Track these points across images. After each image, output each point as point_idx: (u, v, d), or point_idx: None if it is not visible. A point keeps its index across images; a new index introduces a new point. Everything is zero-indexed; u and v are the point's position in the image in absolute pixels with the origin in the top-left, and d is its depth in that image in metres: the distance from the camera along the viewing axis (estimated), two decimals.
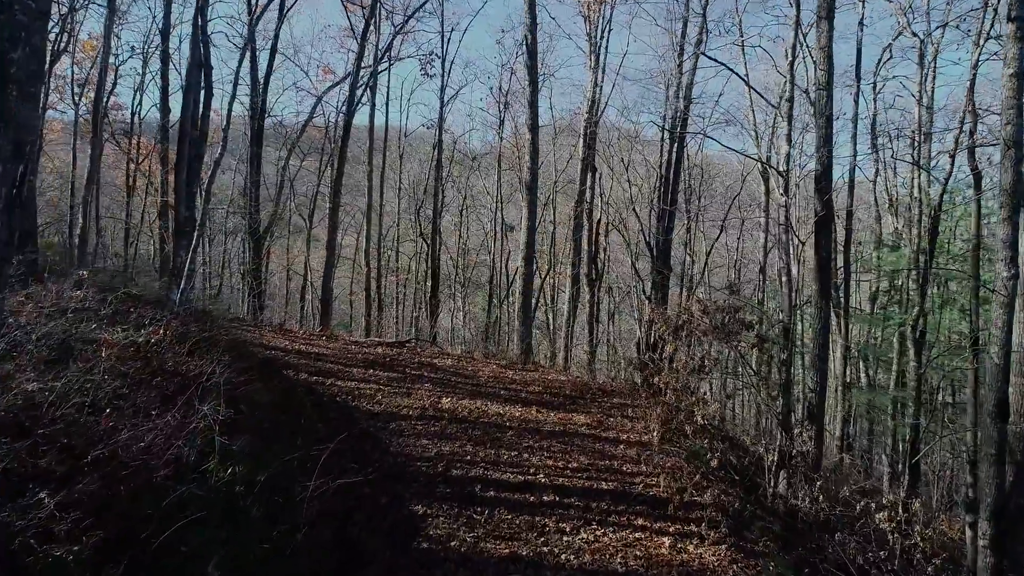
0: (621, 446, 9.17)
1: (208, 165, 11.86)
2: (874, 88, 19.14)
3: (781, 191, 8.82)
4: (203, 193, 9.46)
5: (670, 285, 18.62)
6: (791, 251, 8.78)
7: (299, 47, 60.33)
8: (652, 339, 15.49)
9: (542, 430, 9.53)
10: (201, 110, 9.36)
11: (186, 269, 8.47)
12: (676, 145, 15.58)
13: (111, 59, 25.18)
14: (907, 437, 10.79)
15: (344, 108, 18.31)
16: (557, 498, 7.31)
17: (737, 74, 9.64)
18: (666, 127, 14.29)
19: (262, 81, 20.23)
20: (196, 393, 5.77)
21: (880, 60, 19.88)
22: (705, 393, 10.03)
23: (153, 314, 7.61)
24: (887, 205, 21.72)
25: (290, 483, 6.17)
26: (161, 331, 6.63)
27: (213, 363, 6.92)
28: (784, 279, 8.57)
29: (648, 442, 9.34)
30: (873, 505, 6.91)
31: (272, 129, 24.25)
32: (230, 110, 10.28)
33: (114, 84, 24.51)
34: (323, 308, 16.86)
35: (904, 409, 12.91)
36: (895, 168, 23.75)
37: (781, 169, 8.66)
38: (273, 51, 20.45)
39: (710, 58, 10.51)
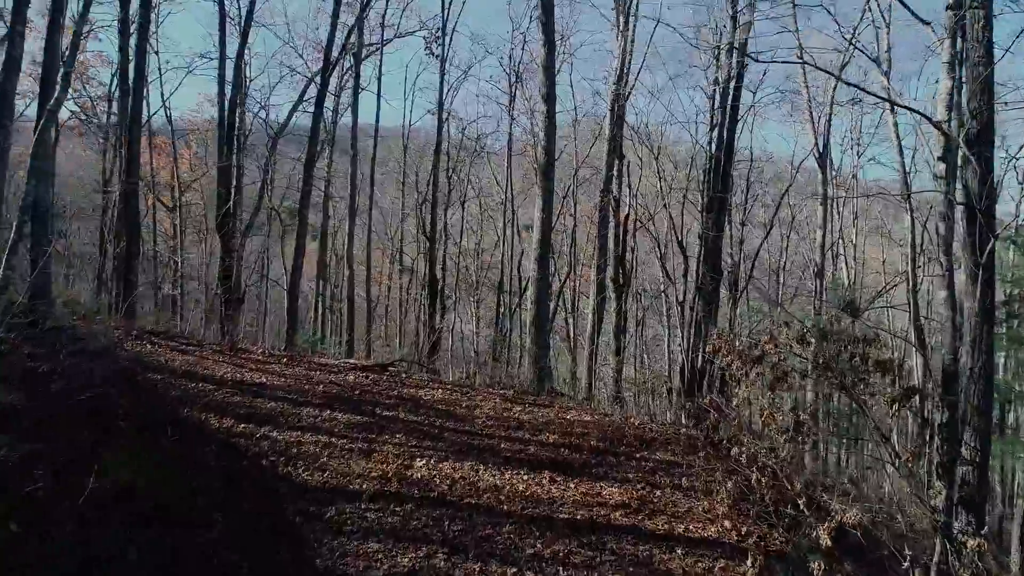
0: (679, 549, 5.99)
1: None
2: None
3: (938, 155, 5.62)
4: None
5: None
6: (951, 253, 5.54)
7: (293, 26, 56.63)
8: (700, 364, 12.30)
9: (557, 518, 6.37)
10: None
11: None
12: (728, 114, 12.36)
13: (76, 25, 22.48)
14: None
15: (319, 78, 15.29)
16: None
17: None
18: (722, 47, 11.04)
19: (235, 52, 17.31)
20: None
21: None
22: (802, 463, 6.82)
23: None
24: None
25: None
26: None
27: None
28: (944, 294, 5.35)
29: (719, 539, 6.17)
30: None
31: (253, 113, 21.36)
32: (77, 33, 7.22)
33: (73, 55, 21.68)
34: (289, 320, 13.87)
35: None
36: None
37: (939, 119, 5.46)
38: (249, 16, 17.50)
39: None
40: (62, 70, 6.69)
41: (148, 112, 28.08)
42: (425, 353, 14.30)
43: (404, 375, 11.85)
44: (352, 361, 12.46)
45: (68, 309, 10.64)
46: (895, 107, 16.74)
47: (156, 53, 24.57)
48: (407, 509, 6.23)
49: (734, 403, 7.15)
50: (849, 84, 11.86)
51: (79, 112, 28.61)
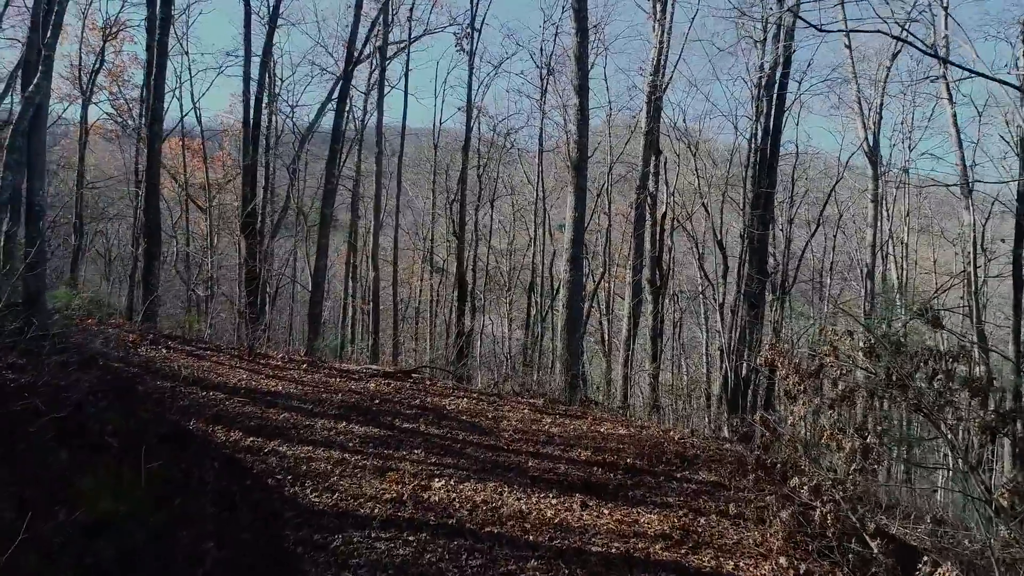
0: None
1: None
2: None
3: None
4: None
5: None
6: None
7: (323, 24, 56.41)
8: (744, 373, 11.48)
9: (589, 551, 5.66)
10: None
11: None
12: (775, 104, 11.48)
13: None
14: None
15: (343, 68, 14.78)
16: None
17: None
18: (772, 19, 10.14)
19: (261, 49, 16.96)
20: None
21: None
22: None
23: None
24: None
25: None
26: None
27: None
28: None
29: None
30: None
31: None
32: None
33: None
34: (310, 324, 13.39)
35: None
36: None
37: None
38: (275, 13, 17.15)
39: None
40: (43, 53, 6.18)
41: (181, 112, 28.14)
42: (452, 358, 13.69)
43: (428, 382, 11.29)
44: (375, 367, 11.92)
45: (81, 312, 10.26)
46: (948, 91, 15.65)
47: (186, 54, 24.50)
48: (421, 539, 5.58)
49: (788, 421, 6.37)
50: (932, 56, 10.67)
51: (115, 115, 28.83)
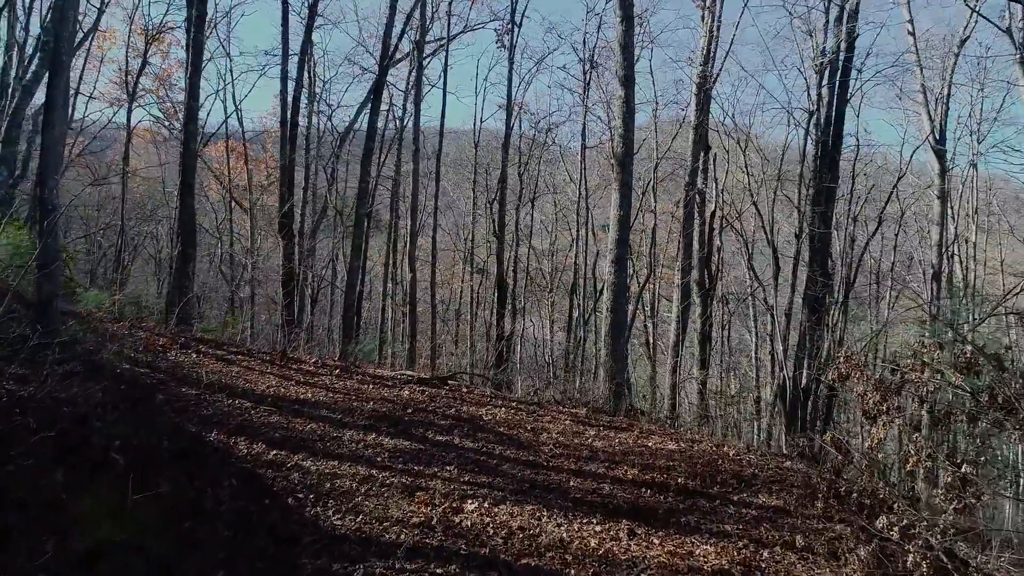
0: None
1: None
2: None
3: None
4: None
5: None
6: None
7: (364, 24, 56.64)
8: (804, 383, 10.65)
9: None
10: None
11: None
12: (837, 92, 10.60)
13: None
14: None
15: (378, 62, 14.36)
16: None
17: None
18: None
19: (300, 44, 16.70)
20: None
21: None
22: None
23: None
24: None
25: None
26: None
27: None
28: None
29: None
30: None
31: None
32: None
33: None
34: (344, 327, 12.98)
35: None
36: None
37: None
38: (312, 12, 16.88)
39: None
40: (41, 37, 5.80)
41: (224, 114, 28.44)
42: (490, 363, 13.14)
43: (465, 390, 10.76)
44: (410, 373, 11.45)
45: (111, 314, 10.02)
46: None
47: (228, 56, 24.59)
48: (451, 571, 5.02)
49: (866, 444, 5.63)
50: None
51: (162, 119, 29.24)
